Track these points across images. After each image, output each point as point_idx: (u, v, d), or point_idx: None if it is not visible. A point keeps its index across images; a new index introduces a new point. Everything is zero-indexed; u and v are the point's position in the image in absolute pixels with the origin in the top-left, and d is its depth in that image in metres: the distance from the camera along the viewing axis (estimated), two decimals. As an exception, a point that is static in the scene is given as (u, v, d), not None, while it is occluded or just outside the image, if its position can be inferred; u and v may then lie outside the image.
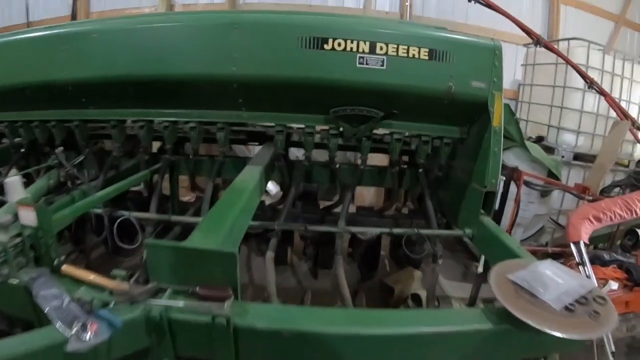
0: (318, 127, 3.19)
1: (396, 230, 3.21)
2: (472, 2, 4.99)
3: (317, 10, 7.62)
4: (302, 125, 3.14)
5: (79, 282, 2.02)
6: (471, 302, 3.36)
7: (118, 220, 3.06)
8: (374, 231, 3.17)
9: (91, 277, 1.99)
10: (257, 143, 3.84)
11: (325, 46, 2.74)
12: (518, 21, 5.06)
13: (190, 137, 3.19)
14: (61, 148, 3.28)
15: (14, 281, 1.96)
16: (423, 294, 3.81)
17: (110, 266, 2.22)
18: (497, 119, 2.89)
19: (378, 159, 4.78)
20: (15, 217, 2.14)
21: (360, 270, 4.08)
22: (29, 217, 2.13)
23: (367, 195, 7.02)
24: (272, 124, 3.15)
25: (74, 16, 8.55)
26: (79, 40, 3.00)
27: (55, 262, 2.14)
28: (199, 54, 2.81)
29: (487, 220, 2.92)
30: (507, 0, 5.63)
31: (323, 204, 4.42)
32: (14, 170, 3.38)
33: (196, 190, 4.26)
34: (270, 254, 2.91)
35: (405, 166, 4.08)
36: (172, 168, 3.59)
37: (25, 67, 3.18)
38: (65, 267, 2.12)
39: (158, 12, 7.63)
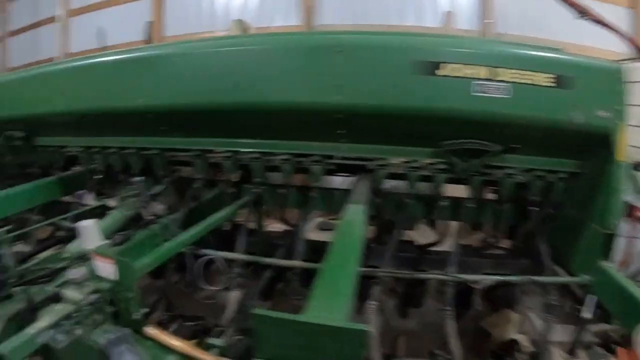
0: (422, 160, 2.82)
1: (513, 278, 2.83)
2: (580, 18, 4.53)
3: (396, 30, 7.34)
4: (406, 159, 2.78)
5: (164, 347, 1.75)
6: (573, 349, 2.95)
7: (203, 260, 2.78)
8: (489, 279, 2.77)
9: (180, 344, 1.71)
10: (346, 174, 3.49)
11: (437, 71, 2.38)
12: (632, 38, 4.58)
13: (282, 170, 2.88)
14: (142, 178, 3.06)
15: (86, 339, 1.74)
16: (522, 340, 3.39)
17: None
18: (621, 152, 2.51)
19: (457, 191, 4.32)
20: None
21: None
22: (107, 269, 1.87)
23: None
24: (373, 157, 2.81)
25: (148, 41, 8.59)
26: (160, 65, 2.82)
27: (136, 317, 1.90)
28: (296, 81, 2.51)
29: (609, 267, 2.52)
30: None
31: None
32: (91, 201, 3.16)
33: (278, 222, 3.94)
34: (373, 304, 2.55)
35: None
36: (257, 199, 3.30)
37: (102, 92, 3.05)
38: (149, 330, 1.86)
39: (246, 34, 7.42)
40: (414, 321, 3.75)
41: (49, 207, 3.82)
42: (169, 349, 1.79)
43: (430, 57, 2.40)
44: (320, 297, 1.64)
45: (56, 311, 1.71)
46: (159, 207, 3.06)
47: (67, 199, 3.89)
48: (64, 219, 3.22)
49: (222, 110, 2.68)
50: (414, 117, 2.47)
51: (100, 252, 1.91)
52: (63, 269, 2.16)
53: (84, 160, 3.57)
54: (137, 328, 1.86)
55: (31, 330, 1.61)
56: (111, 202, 3.26)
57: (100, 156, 3.43)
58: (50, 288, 2.00)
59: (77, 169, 3.73)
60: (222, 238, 3.09)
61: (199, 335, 2.70)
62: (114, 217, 2.95)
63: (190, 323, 3.03)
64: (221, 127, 2.88)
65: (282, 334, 1.49)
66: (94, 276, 1.85)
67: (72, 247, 2.48)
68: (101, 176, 3.54)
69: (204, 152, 3.02)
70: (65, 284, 1.89)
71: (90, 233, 2.04)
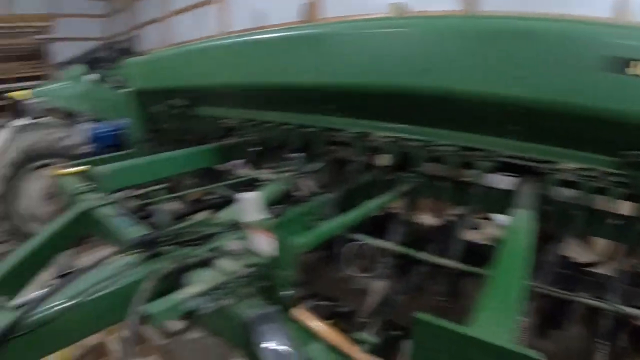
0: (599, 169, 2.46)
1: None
2: None
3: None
4: (580, 165, 2.46)
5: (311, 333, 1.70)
6: None
7: (351, 245, 2.70)
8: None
9: (328, 333, 1.62)
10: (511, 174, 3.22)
11: (627, 70, 2.02)
12: None
13: (445, 161, 2.69)
14: (301, 154, 3.06)
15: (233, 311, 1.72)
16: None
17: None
18: None
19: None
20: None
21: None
22: (266, 244, 1.83)
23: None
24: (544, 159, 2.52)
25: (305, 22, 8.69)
26: (330, 43, 2.74)
27: (284, 298, 1.84)
28: (473, 68, 2.29)
29: None
30: None
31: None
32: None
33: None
34: (524, 320, 2.31)
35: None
36: (414, 189, 3.14)
37: (268, 67, 3.06)
38: (296, 311, 1.80)
39: (425, 16, 7.17)
40: (555, 344, 3.42)
41: (202, 172, 4.04)
42: (315, 336, 1.72)
43: (621, 52, 2.04)
44: (488, 310, 1.47)
45: (208, 279, 1.70)
46: (312, 185, 3.01)
47: (220, 166, 4.01)
48: (219, 186, 3.34)
49: (390, 93, 2.54)
50: (596, 120, 2.15)
51: (260, 225, 1.88)
52: (213, 234, 2.19)
53: (242, 132, 3.64)
54: (285, 308, 1.81)
55: (181, 294, 1.60)
56: (264, 175, 3.30)
57: (259, 129, 3.47)
58: (199, 252, 2.02)
59: (233, 139, 3.81)
60: (371, 224, 2.98)
61: (333, 317, 2.64)
62: (269, 190, 2.95)
63: (325, 303, 3.00)
64: (386, 111, 2.77)
65: (443, 344, 1.34)
66: (250, 249, 1.81)
67: (224, 215, 2.51)
68: (258, 148, 3.59)
69: (365, 135, 2.90)
70: (220, 253, 1.88)
71: (252, 205, 2.02)
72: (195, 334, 3.74)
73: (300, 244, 1.92)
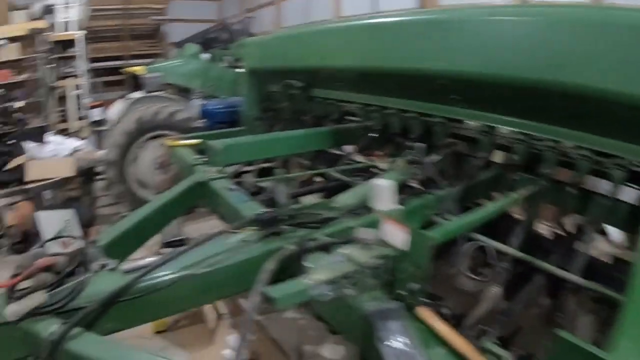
0: None
1: None
2: None
3: None
4: None
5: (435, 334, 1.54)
6: None
7: (472, 244, 2.47)
8: None
9: (453, 338, 1.48)
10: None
11: None
12: None
13: (577, 167, 2.36)
14: (422, 145, 2.86)
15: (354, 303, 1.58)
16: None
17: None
18: None
19: None
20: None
21: None
22: (397, 237, 1.66)
23: None
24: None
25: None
26: (462, 29, 2.49)
27: (409, 296, 1.66)
28: (615, 64, 1.93)
29: None
30: None
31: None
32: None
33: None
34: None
35: None
36: (539, 193, 2.86)
37: (391, 51, 2.87)
38: (421, 310, 1.63)
39: (557, 3, 6.71)
40: None
41: (312, 155, 3.97)
42: (440, 339, 1.54)
43: None
44: (629, 338, 1.27)
45: (335, 266, 1.56)
46: (431, 178, 2.81)
47: (332, 150, 3.91)
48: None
49: (520, 87, 2.26)
50: None
51: (392, 215, 1.71)
52: (333, 219, 2.11)
53: (360, 117, 3.49)
54: (410, 305, 1.64)
55: (306, 280, 1.48)
56: (381, 163, 3.14)
57: (378, 115, 3.30)
58: (319, 235, 1.93)
59: (351, 124, 3.68)
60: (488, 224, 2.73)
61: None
62: (387, 179, 2.80)
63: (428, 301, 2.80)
64: (514, 106, 2.49)
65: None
66: (382, 240, 1.66)
67: (343, 199, 2.40)
68: (376, 135, 3.42)
69: (490, 129, 2.64)
70: (348, 239, 1.74)
71: (385, 193, 1.87)
72: (291, 313, 3.75)
73: (436, 238, 1.72)
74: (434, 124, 2.91)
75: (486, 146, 2.72)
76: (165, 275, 1.65)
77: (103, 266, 1.69)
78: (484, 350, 1.50)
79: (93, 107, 8.15)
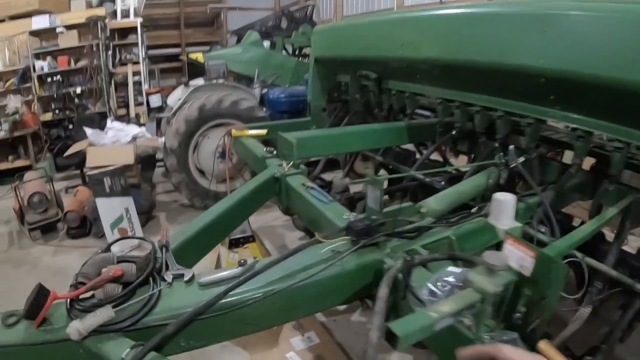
0: None
1: None
2: None
3: None
4: None
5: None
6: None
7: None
8: None
9: None
10: None
11: None
12: None
13: None
14: (512, 147, 2.56)
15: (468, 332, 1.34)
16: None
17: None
18: None
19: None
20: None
21: None
22: (522, 260, 1.39)
23: None
24: None
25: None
26: (561, 23, 2.17)
27: (537, 327, 1.43)
28: None
29: None
30: None
31: None
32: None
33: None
34: None
35: None
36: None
37: (478, 44, 2.59)
38: (543, 345, 1.36)
39: None
40: None
41: (385, 150, 3.74)
42: None
43: None
44: None
45: (462, 297, 1.31)
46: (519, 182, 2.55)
47: (408, 146, 3.76)
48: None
49: (618, 89, 1.96)
50: None
51: (516, 235, 1.45)
52: (427, 227, 1.89)
53: (439, 113, 3.21)
54: (532, 338, 1.39)
55: (432, 313, 1.23)
56: (460, 163, 2.86)
57: (460, 111, 3.02)
58: (416, 247, 1.73)
59: (430, 119, 3.45)
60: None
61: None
62: (471, 183, 2.54)
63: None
64: (618, 111, 2.17)
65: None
66: (507, 263, 1.38)
67: (431, 204, 2.17)
68: (454, 133, 3.14)
69: (588, 134, 2.34)
70: (467, 261, 1.51)
71: (507, 209, 1.61)
72: (357, 316, 3.54)
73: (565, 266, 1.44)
74: (525, 125, 2.61)
75: (581, 152, 2.42)
76: (249, 290, 1.45)
77: (177, 276, 1.49)
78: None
79: (150, 94, 8.11)
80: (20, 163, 7.73)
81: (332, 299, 1.70)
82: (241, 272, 1.48)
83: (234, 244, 3.18)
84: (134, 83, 9.33)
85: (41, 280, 1.35)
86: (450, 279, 1.47)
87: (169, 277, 1.47)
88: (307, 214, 2.39)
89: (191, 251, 1.98)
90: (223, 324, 1.43)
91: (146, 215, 5.22)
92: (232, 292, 1.41)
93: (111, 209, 4.60)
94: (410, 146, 3.94)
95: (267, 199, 2.73)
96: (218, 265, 3.58)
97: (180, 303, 1.38)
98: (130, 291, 1.38)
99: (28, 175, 5.55)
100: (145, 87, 9.29)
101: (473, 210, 2.14)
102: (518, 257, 1.40)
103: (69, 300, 1.34)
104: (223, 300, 1.39)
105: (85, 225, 5.02)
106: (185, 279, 1.47)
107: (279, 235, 5.04)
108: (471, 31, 2.67)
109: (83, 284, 1.37)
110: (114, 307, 1.31)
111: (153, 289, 1.40)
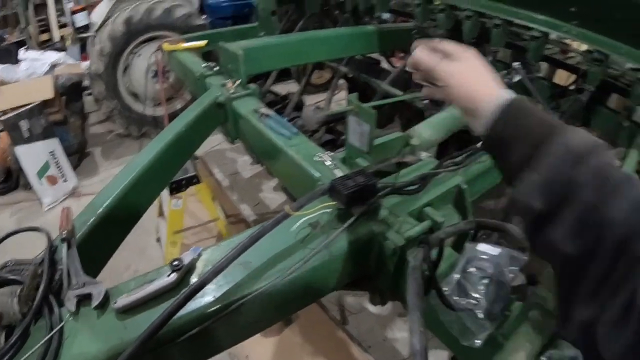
0: None
1: None
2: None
3: None
4: None
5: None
6: None
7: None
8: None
9: None
10: None
11: None
12: None
13: None
14: (518, 64, 2.18)
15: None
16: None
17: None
18: None
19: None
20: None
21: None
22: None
23: None
24: None
25: None
26: None
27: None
28: None
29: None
30: None
31: None
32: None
33: None
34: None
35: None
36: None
37: None
38: None
39: None
40: None
41: (348, 60, 3.25)
42: None
43: None
44: None
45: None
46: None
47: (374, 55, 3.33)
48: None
49: None
50: None
51: None
52: (432, 174, 1.39)
53: (418, 16, 2.74)
54: None
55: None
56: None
57: (444, 16, 2.57)
58: (424, 208, 1.31)
59: (404, 24, 3.08)
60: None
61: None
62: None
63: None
64: None
65: None
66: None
67: (421, 133, 1.69)
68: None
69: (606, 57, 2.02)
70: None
71: None
72: (377, 309, 3.15)
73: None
74: (529, 38, 2.25)
75: (594, 78, 2.13)
76: (199, 309, 0.97)
77: (82, 300, 0.95)
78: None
79: (75, 12, 7.11)
80: None
81: (314, 294, 1.25)
82: (177, 281, 0.97)
83: (176, 189, 2.65)
84: (56, 1, 8.23)
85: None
86: (486, 264, 1.03)
87: (71, 301, 0.94)
88: (263, 151, 1.93)
89: (120, 220, 1.48)
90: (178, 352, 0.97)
91: (78, 154, 4.57)
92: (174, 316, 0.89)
93: (34, 156, 3.96)
94: (375, 55, 3.49)
95: (211, 129, 2.22)
96: (160, 214, 3.11)
97: (92, 348, 0.88)
98: (20, 337, 0.89)
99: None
100: (69, 5, 8.20)
101: (479, 145, 1.68)
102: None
103: None
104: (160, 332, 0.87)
105: (11, 178, 4.34)
106: (94, 303, 0.93)
107: (230, 161, 4.55)
108: None
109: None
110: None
111: (50, 328, 0.89)
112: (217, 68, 2.44)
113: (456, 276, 1.01)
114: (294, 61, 2.82)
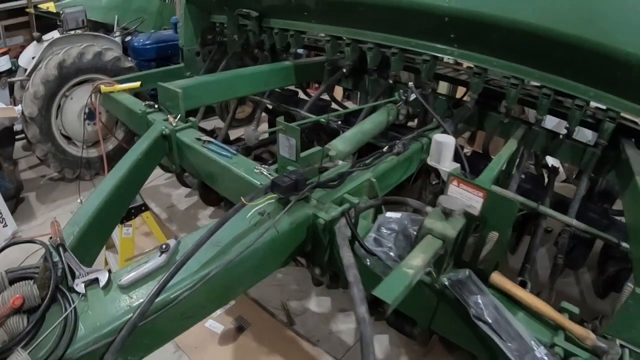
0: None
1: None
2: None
3: None
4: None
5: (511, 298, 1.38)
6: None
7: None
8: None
9: (533, 302, 1.33)
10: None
11: None
12: None
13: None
14: (411, 83, 2.60)
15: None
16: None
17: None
18: None
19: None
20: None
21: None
22: (466, 199, 1.34)
23: None
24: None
25: None
26: None
27: (488, 261, 1.41)
28: None
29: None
30: None
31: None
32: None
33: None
34: None
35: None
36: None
37: None
38: (495, 277, 1.39)
39: None
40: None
41: (272, 92, 3.59)
42: (518, 304, 1.36)
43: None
44: None
45: (427, 246, 1.25)
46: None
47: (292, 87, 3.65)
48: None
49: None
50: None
51: (456, 175, 1.42)
52: (348, 173, 1.83)
53: (328, 51, 3.14)
54: (487, 272, 1.40)
55: (405, 269, 1.16)
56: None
57: (350, 49, 3.00)
58: (347, 196, 1.67)
59: (318, 57, 3.42)
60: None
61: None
62: (374, 122, 2.51)
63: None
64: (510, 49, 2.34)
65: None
66: (461, 206, 1.32)
67: (338, 146, 2.10)
68: (345, 71, 3.11)
69: (485, 72, 2.53)
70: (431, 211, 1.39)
71: (448, 151, 1.58)
72: (320, 308, 3.31)
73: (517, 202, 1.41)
74: (421, 62, 2.75)
75: (477, 88, 2.62)
76: (183, 280, 1.25)
77: (89, 283, 1.22)
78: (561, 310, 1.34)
79: (-5, 56, 7.08)
80: None
81: (270, 266, 1.58)
82: (166, 260, 1.27)
83: (125, 217, 2.86)
84: (-28, 47, 8.14)
85: None
86: (392, 225, 1.45)
87: (80, 286, 1.20)
88: (208, 173, 2.20)
89: (91, 242, 1.70)
90: (161, 326, 1.23)
91: (14, 199, 4.55)
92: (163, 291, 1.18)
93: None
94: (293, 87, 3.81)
95: (158, 161, 2.49)
96: (111, 244, 3.28)
97: (105, 318, 1.13)
98: (40, 319, 1.09)
99: None
100: (-13, 49, 8.11)
101: (384, 149, 2.16)
102: (465, 198, 1.35)
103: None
104: (157, 299, 1.16)
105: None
106: (101, 284, 1.21)
107: (165, 195, 4.73)
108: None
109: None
110: (24, 346, 1.03)
111: (65, 309, 1.12)
112: (157, 106, 2.66)
113: (372, 235, 1.42)
114: (224, 96, 3.09)
